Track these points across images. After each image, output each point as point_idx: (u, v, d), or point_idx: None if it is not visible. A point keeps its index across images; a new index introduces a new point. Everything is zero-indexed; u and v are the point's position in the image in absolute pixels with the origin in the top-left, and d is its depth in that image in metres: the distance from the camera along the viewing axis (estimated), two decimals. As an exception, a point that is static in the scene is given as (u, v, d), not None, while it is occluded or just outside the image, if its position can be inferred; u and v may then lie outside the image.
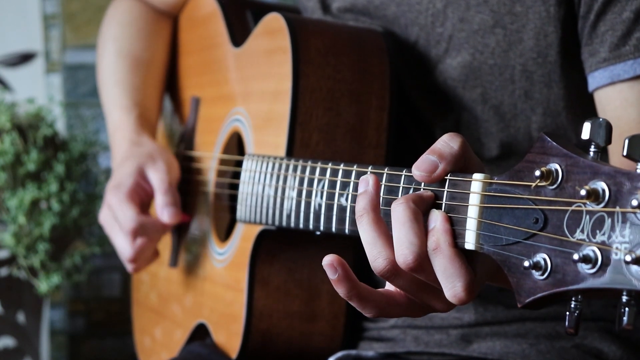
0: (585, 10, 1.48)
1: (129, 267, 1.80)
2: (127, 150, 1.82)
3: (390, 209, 1.13)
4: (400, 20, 1.62)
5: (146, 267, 1.83)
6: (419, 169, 1.13)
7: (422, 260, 1.10)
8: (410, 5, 1.60)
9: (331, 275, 1.14)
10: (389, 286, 1.20)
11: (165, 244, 1.90)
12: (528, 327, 1.58)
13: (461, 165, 1.13)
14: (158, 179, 1.77)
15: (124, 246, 1.76)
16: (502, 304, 1.59)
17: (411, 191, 1.18)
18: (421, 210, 1.13)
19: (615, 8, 1.45)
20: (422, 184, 1.16)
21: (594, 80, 1.49)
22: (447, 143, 1.14)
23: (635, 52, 1.45)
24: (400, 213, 1.11)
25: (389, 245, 1.13)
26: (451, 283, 1.09)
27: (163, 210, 1.75)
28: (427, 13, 1.59)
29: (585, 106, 1.55)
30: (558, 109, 1.55)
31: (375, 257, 1.13)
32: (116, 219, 1.76)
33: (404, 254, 1.10)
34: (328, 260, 1.15)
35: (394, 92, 1.57)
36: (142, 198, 1.78)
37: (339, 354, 1.62)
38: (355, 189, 1.29)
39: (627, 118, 1.45)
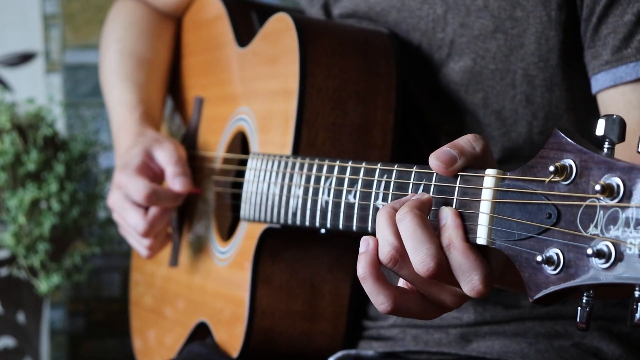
0: (587, 14, 1.49)
1: (143, 245, 1.77)
2: (132, 140, 1.82)
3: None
4: (401, 25, 1.62)
5: (159, 250, 1.81)
6: (438, 159, 1.14)
7: (443, 263, 1.11)
8: (411, 11, 1.61)
9: (362, 248, 1.15)
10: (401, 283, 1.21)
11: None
12: (527, 326, 1.59)
13: (477, 167, 1.14)
14: (166, 154, 1.76)
15: (136, 220, 1.74)
16: (501, 304, 1.60)
17: (421, 187, 1.19)
18: (425, 214, 1.13)
19: (616, 11, 1.46)
20: (433, 180, 1.17)
21: (597, 82, 1.50)
22: (470, 142, 1.15)
23: (637, 55, 1.45)
24: (408, 223, 1.12)
25: (396, 235, 1.13)
26: (468, 277, 1.10)
27: (174, 180, 1.74)
28: (427, 19, 1.59)
29: (586, 108, 1.56)
30: (559, 112, 1.56)
31: (383, 244, 1.14)
32: (127, 195, 1.74)
33: (424, 261, 1.11)
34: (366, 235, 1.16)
35: (400, 93, 1.58)
36: (150, 177, 1.76)
37: (339, 354, 1.62)
38: (363, 185, 1.29)
39: (631, 120, 1.45)
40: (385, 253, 1.14)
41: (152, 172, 1.76)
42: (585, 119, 1.57)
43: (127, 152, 1.79)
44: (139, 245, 1.78)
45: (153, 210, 1.73)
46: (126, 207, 1.75)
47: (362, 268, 1.15)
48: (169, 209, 1.77)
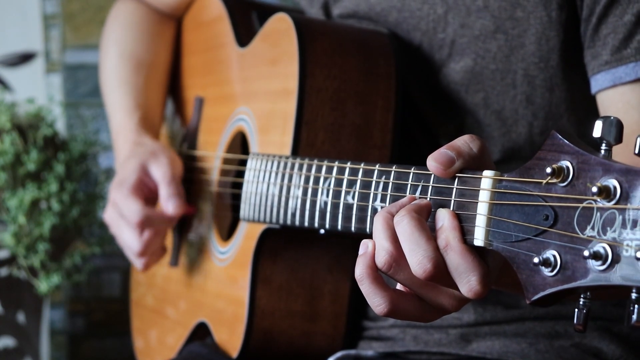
0: (587, 14, 1.49)
1: (139, 263, 1.79)
2: (130, 150, 1.83)
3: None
4: (402, 26, 1.62)
5: (155, 264, 1.83)
6: (436, 161, 1.14)
7: (440, 265, 1.11)
8: (412, 11, 1.61)
9: (361, 251, 1.16)
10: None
11: (166, 244, 1.90)
12: (527, 326, 1.59)
13: (475, 168, 1.14)
14: (161, 172, 1.77)
15: (131, 241, 1.76)
16: (501, 304, 1.60)
17: (419, 189, 1.19)
18: (424, 218, 1.13)
19: (616, 11, 1.46)
20: (430, 181, 1.17)
21: (596, 82, 1.50)
22: (467, 143, 1.15)
23: (636, 55, 1.45)
24: (405, 226, 1.12)
25: (390, 240, 1.14)
26: (466, 278, 1.10)
27: (168, 202, 1.75)
28: (428, 19, 1.59)
29: (586, 108, 1.56)
30: (560, 112, 1.56)
31: (378, 249, 1.14)
32: (122, 215, 1.76)
33: (421, 262, 1.11)
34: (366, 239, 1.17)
35: (400, 93, 1.58)
36: (145, 194, 1.77)
37: (339, 354, 1.63)
38: (362, 186, 1.30)
39: (629, 120, 1.46)
40: (380, 257, 1.14)
41: (147, 188, 1.78)
42: (585, 119, 1.57)
43: (124, 165, 1.81)
44: (135, 261, 1.80)
45: (147, 233, 1.75)
46: (121, 226, 1.77)
47: (360, 270, 1.15)
48: (164, 230, 1.78)
